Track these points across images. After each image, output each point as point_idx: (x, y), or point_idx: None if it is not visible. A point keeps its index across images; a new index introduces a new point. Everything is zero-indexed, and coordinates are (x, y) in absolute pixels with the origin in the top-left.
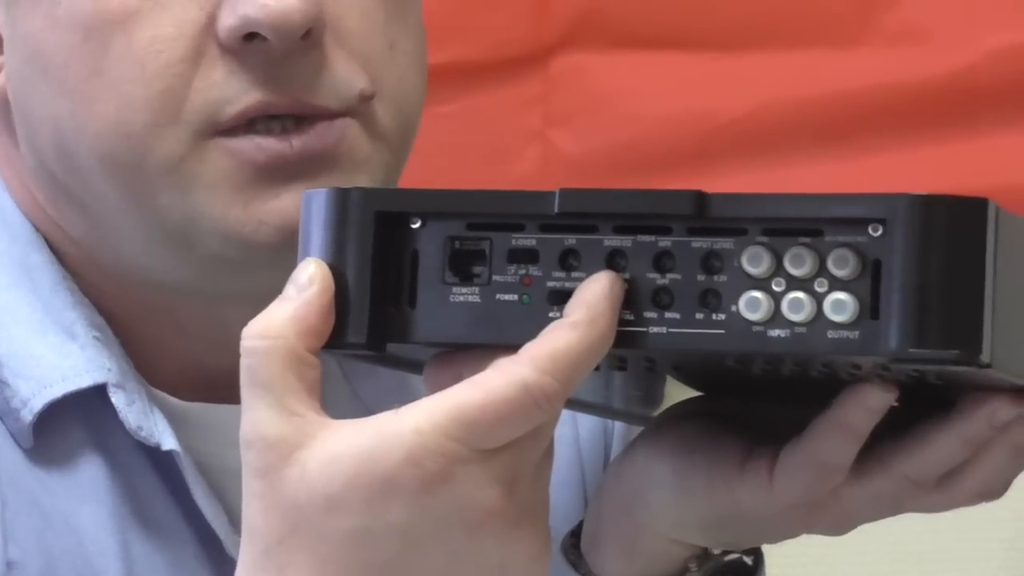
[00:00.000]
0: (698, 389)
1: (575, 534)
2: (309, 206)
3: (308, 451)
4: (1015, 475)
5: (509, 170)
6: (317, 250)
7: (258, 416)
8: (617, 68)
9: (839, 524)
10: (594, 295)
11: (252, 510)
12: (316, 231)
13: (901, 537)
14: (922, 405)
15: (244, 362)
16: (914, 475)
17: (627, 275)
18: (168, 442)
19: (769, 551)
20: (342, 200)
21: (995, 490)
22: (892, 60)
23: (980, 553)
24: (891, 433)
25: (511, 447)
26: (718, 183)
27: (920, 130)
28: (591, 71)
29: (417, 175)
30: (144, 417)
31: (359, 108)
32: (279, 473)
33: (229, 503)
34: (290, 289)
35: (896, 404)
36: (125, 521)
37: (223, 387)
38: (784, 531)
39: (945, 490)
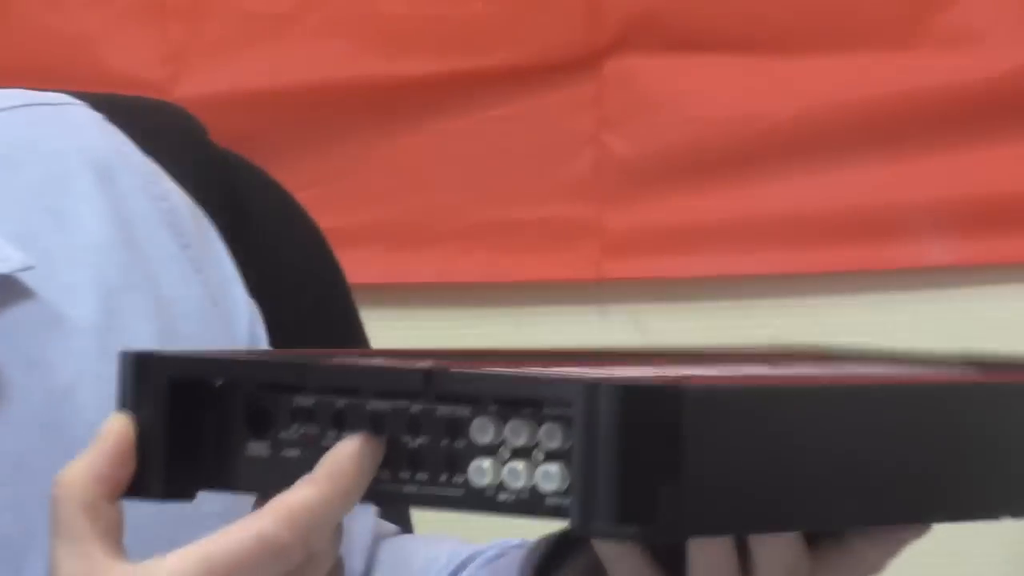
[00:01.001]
0: None
1: None
2: (122, 365)
3: None
4: None
5: (562, 174)
6: (127, 405)
7: (55, 556)
8: (670, 71)
9: None
10: (340, 454)
11: None
12: (126, 390)
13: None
14: None
15: (51, 508)
16: None
17: (385, 436)
18: None
19: None
20: (139, 364)
21: None
22: (944, 62)
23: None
24: None
25: None
26: (770, 186)
27: (972, 133)
28: (644, 74)
29: (471, 179)
30: None
31: None
32: None
33: None
34: (94, 439)
35: None
36: None
37: None
38: None
39: None
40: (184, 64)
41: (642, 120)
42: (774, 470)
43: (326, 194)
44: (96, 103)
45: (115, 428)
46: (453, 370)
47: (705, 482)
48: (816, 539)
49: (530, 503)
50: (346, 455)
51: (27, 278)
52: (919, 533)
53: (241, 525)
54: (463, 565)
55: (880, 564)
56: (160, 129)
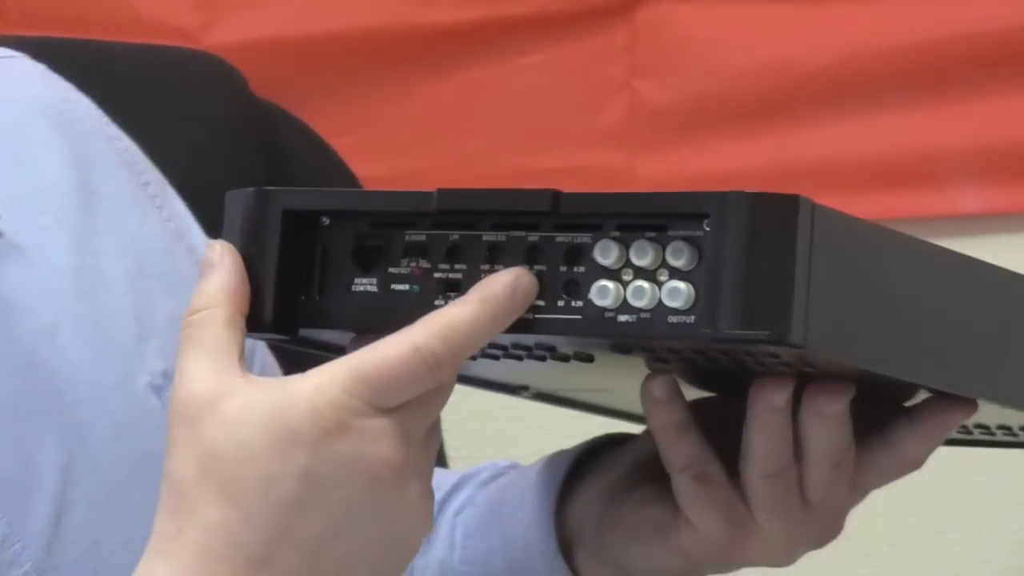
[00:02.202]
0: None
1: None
2: (231, 204)
3: (227, 402)
4: (838, 489)
5: (595, 121)
6: (236, 243)
7: (190, 371)
8: (704, 17)
9: (765, 548)
10: (494, 280)
11: (171, 457)
12: (235, 226)
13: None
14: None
15: (185, 333)
16: (757, 475)
17: (500, 267)
18: None
19: None
20: (255, 199)
21: (829, 507)
22: (980, 8)
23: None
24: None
25: (405, 408)
26: (804, 133)
27: (1009, 79)
28: (677, 21)
29: (504, 127)
30: None
31: None
32: (200, 421)
33: None
34: (205, 269)
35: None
36: None
37: None
38: (737, 562)
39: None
40: (215, 12)
41: (675, 67)
42: (887, 310)
43: (357, 142)
44: (136, 53)
45: (221, 249)
46: (581, 192)
47: (829, 297)
48: (861, 435)
49: (651, 322)
50: (500, 282)
51: None
52: (963, 418)
53: (393, 338)
54: (456, 488)
55: (922, 457)
56: (200, 79)
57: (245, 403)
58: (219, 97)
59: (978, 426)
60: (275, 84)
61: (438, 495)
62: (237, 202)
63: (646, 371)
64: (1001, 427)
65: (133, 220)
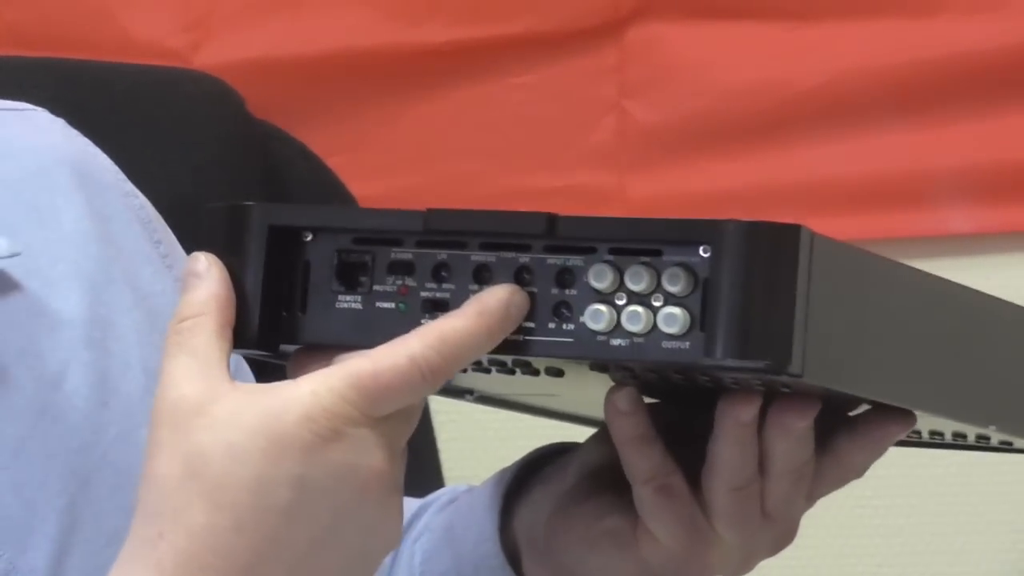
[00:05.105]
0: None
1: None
2: (210, 220)
3: (217, 405)
4: (795, 499)
5: (584, 141)
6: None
7: (178, 375)
8: (693, 38)
9: (724, 558)
10: (490, 295)
11: (154, 459)
12: (218, 241)
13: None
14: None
15: (172, 340)
16: (723, 488)
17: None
18: None
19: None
20: (239, 214)
21: (786, 517)
22: (970, 28)
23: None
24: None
25: (396, 417)
26: (792, 154)
27: (996, 99)
28: (667, 41)
29: (493, 147)
30: None
31: None
32: (188, 423)
33: None
34: (192, 280)
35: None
36: None
37: None
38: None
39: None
40: (205, 32)
41: (664, 87)
42: (876, 336)
43: (348, 162)
44: (135, 73)
45: (207, 261)
46: (577, 216)
47: (825, 326)
48: None
49: (645, 347)
50: (496, 296)
51: (12, 271)
52: (904, 431)
53: (389, 347)
54: (417, 515)
55: (864, 467)
56: (199, 99)
57: (237, 407)
58: (217, 118)
59: (915, 432)
60: (265, 105)
61: (403, 520)
62: (219, 217)
63: (602, 379)
64: (933, 432)
65: (145, 275)
